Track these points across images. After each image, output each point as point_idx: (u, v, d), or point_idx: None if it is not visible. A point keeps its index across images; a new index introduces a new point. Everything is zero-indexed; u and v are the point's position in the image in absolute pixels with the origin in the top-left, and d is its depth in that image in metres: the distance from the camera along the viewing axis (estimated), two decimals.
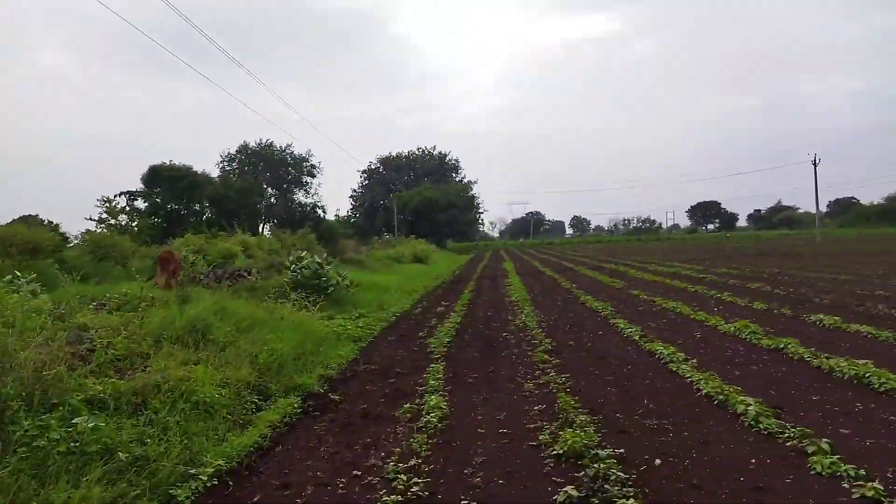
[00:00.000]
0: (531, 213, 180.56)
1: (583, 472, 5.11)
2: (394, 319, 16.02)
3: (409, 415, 7.16)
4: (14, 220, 24.30)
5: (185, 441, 5.73)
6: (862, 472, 4.80)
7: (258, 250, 28.03)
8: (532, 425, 6.58)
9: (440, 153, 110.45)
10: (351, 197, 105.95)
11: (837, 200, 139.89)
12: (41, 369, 5.81)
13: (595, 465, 5.13)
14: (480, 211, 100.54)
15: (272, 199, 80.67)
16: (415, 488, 4.98)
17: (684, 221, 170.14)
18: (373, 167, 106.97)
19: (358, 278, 20.91)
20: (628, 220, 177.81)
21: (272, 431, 6.63)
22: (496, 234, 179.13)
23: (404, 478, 5.20)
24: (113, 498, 4.57)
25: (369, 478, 5.34)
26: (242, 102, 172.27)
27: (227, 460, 5.63)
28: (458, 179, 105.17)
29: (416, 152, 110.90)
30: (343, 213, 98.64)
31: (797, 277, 21.77)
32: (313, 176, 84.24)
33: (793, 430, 5.79)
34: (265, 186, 79.40)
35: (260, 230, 61.69)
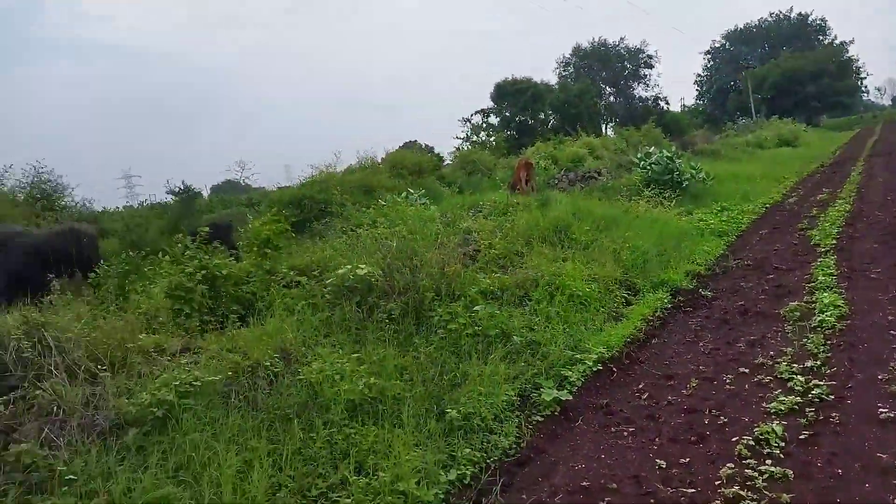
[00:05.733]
0: None
1: None
2: (763, 211, 14.45)
3: (797, 313, 6.45)
4: (399, 146, 28.81)
5: (567, 329, 6.20)
6: None
7: (604, 151, 27.96)
8: None
9: (799, 15, 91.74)
10: (695, 83, 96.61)
11: None
12: (443, 267, 6.86)
13: None
14: (862, 76, 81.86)
15: (611, 98, 79.04)
16: (816, 390, 4.51)
17: None
18: (717, 45, 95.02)
19: (713, 170, 19.25)
20: None
21: (645, 324, 6.71)
22: (888, 102, 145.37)
23: (801, 379, 4.74)
24: (515, 374, 5.25)
25: (759, 376, 5.02)
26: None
27: (608, 348, 5.92)
28: (825, 42, 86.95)
29: (768, 19, 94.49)
30: (688, 103, 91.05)
31: None
32: (651, 67, 79.03)
33: None
34: (602, 86, 78.00)
35: (603, 131, 61.37)
